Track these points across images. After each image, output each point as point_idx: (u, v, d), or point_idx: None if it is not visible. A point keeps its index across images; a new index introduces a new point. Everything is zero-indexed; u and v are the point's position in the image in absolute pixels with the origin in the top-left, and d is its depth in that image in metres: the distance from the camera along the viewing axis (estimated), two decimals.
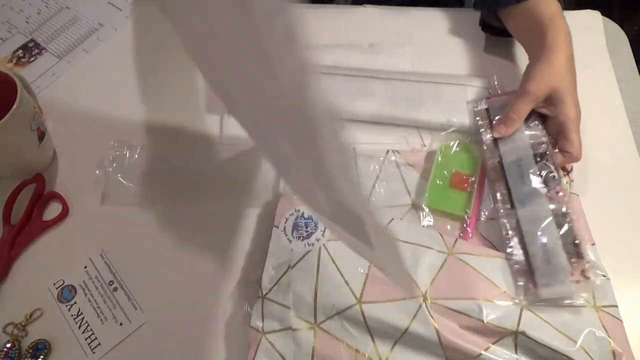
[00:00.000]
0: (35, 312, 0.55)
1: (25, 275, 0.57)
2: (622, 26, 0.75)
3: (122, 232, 0.60)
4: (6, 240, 0.57)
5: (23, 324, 0.54)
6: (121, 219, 0.60)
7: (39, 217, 0.60)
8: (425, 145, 0.63)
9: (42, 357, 0.52)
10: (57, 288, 0.56)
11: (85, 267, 0.57)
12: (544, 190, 0.54)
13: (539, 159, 0.56)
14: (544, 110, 0.58)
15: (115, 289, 0.56)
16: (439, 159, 0.60)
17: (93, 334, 0.54)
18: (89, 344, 0.53)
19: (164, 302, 0.55)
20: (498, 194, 0.56)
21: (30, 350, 0.52)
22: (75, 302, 0.55)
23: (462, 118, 0.63)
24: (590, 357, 0.46)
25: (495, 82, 0.67)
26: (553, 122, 0.58)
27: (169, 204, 0.61)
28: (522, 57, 0.71)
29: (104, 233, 0.59)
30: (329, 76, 0.66)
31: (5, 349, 0.52)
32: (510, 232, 0.54)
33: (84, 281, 0.57)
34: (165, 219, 0.60)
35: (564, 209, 0.53)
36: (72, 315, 0.55)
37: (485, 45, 0.72)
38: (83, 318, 0.54)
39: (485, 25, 0.70)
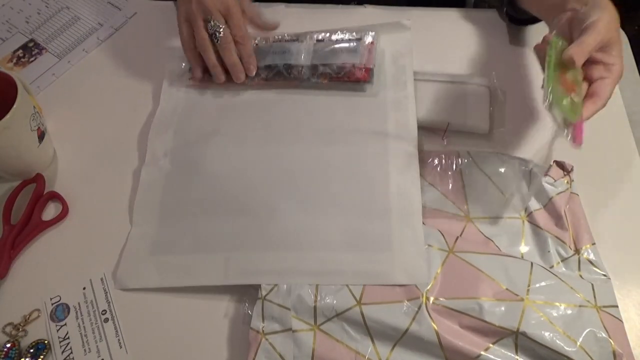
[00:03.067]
0: (33, 313, 0.55)
1: (25, 275, 0.57)
2: (622, 26, 0.75)
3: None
4: (6, 240, 0.57)
5: (22, 324, 0.54)
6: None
7: (39, 217, 0.60)
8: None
9: (42, 357, 0.52)
10: (52, 304, 0.55)
11: (84, 288, 0.56)
12: None
13: None
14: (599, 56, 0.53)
15: (106, 320, 0.54)
16: (552, 56, 0.52)
17: None
18: None
19: (152, 345, 0.53)
20: None
21: (31, 350, 0.52)
22: (66, 324, 0.54)
23: (461, 118, 0.63)
24: (591, 358, 0.46)
25: (495, 81, 0.67)
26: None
27: None
28: (522, 56, 0.71)
29: (105, 234, 0.59)
30: None
31: (5, 349, 0.52)
32: None
33: (79, 303, 0.55)
34: None
35: None
36: (59, 338, 0.53)
37: (486, 45, 0.72)
38: (68, 343, 0.53)
39: (511, 18, 0.70)
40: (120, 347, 0.53)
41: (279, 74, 0.65)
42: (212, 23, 0.62)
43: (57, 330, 0.54)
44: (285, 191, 0.58)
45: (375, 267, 0.53)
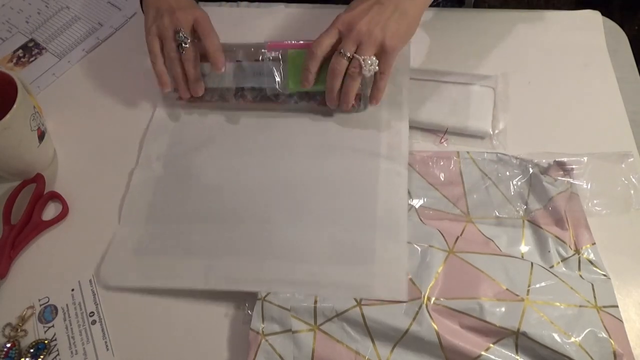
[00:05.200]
0: (27, 311, 0.54)
1: (25, 275, 0.57)
2: (622, 26, 0.75)
3: None
4: (6, 240, 0.57)
5: (20, 324, 0.54)
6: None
7: (39, 217, 0.60)
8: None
9: (42, 357, 0.52)
10: (40, 305, 0.55)
11: (73, 289, 0.56)
12: None
13: None
14: None
15: (94, 322, 0.54)
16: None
17: None
18: None
19: (142, 348, 0.53)
20: None
21: (31, 350, 0.52)
22: (53, 326, 0.54)
23: (463, 121, 0.63)
24: (591, 358, 0.46)
25: (499, 82, 0.67)
26: None
27: None
28: (524, 55, 0.71)
29: (103, 236, 0.59)
30: None
31: (5, 349, 0.52)
32: None
33: (67, 305, 0.55)
34: None
35: None
36: (45, 340, 0.53)
37: (486, 45, 0.72)
38: (55, 345, 0.53)
39: None
40: (107, 349, 0.52)
41: (266, 98, 0.65)
42: (179, 34, 0.62)
43: (45, 332, 0.53)
44: (274, 202, 0.59)
45: (357, 280, 0.53)
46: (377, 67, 0.58)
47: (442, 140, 0.63)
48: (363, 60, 0.57)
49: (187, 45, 0.61)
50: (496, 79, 0.67)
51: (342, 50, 0.58)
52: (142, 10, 0.69)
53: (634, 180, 0.59)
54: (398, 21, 0.57)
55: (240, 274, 0.54)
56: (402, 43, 0.58)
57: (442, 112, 0.63)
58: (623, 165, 0.60)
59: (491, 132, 0.63)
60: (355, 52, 0.57)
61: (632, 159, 0.61)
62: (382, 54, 0.58)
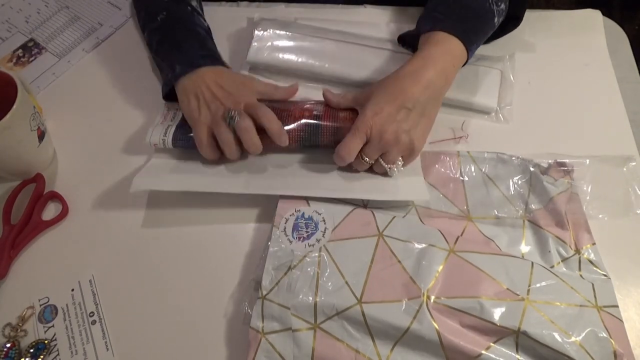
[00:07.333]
0: (26, 311, 0.54)
1: (25, 275, 0.57)
2: (622, 26, 0.75)
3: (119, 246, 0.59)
4: (6, 240, 0.57)
5: (20, 324, 0.54)
6: (119, 225, 0.60)
7: (39, 217, 0.60)
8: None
9: (42, 357, 0.52)
10: (40, 305, 0.55)
11: (72, 289, 0.56)
12: None
13: None
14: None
15: (94, 322, 0.54)
16: None
17: None
18: None
19: (143, 347, 0.53)
20: None
21: (31, 350, 0.52)
22: (53, 326, 0.53)
23: (470, 97, 0.65)
24: (592, 357, 0.46)
25: (507, 63, 0.67)
26: None
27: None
28: (524, 55, 0.71)
29: (103, 236, 0.59)
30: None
31: (5, 349, 0.52)
32: None
33: (67, 305, 0.55)
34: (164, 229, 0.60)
35: None
36: (45, 340, 0.53)
37: (486, 45, 0.72)
38: (55, 345, 0.52)
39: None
40: (107, 349, 0.52)
41: None
42: (228, 113, 0.57)
43: (45, 332, 0.53)
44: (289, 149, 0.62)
45: (381, 186, 0.58)
46: (401, 168, 0.59)
47: (460, 140, 0.64)
48: (389, 169, 0.58)
49: (238, 118, 0.56)
50: (503, 60, 0.69)
51: (365, 158, 0.57)
52: (175, 90, 0.62)
53: (635, 185, 0.59)
54: (423, 126, 0.57)
55: (277, 183, 0.59)
56: (425, 141, 0.59)
57: (451, 87, 0.64)
58: (625, 169, 0.61)
59: (497, 108, 0.65)
60: (380, 157, 0.57)
61: (634, 163, 0.61)
62: (408, 156, 0.58)
